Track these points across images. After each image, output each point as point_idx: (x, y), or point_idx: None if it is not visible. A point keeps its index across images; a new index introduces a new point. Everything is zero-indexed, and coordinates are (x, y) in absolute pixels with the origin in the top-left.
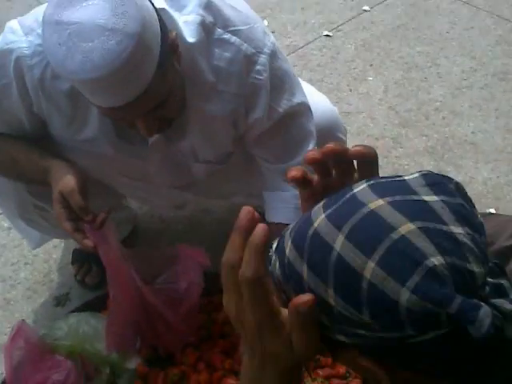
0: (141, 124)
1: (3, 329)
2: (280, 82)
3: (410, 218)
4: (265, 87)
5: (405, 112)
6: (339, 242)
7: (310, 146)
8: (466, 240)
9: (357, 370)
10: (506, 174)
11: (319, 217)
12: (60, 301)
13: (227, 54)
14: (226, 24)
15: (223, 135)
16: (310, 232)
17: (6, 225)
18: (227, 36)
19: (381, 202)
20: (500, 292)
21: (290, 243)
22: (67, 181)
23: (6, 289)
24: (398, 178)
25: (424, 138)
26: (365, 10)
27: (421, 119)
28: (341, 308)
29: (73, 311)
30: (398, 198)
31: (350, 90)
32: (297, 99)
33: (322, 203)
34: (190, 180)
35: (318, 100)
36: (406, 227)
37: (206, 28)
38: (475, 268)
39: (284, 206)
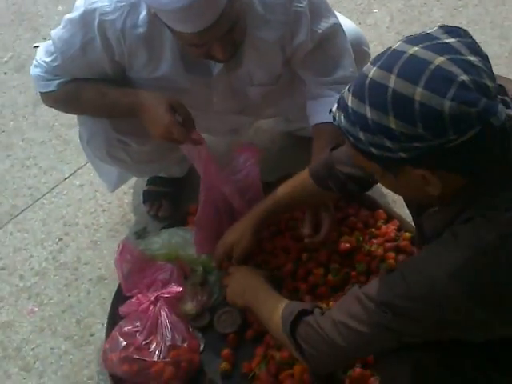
0: (218, 48)
1: (97, 264)
2: (317, 7)
3: (440, 54)
4: (305, 14)
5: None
6: (392, 81)
7: (348, 60)
8: (480, 64)
9: (410, 182)
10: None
11: (371, 70)
12: (140, 234)
13: None
14: None
15: (274, 59)
16: (367, 81)
17: (77, 183)
18: None
19: (415, 48)
20: (505, 103)
21: (350, 96)
22: (167, 96)
23: (91, 233)
24: (423, 32)
25: None
26: None
27: None
28: (400, 128)
29: (162, 229)
30: (427, 43)
31: (359, 23)
32: (332, 20)
33: (368, 64)
34: (246, 103)
35: (344, 21)
36: (438, 60)
37: None
38: (489, 83)
39: (327, 107)
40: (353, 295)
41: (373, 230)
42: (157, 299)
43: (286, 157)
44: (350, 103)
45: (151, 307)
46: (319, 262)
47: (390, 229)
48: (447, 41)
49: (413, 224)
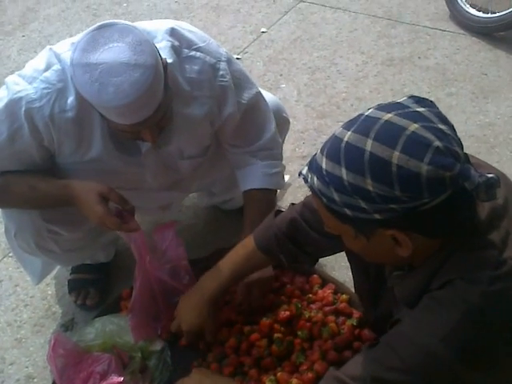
0: (147, 134)
1: (23, 363)
2: (239, 80)
3: (413, 121)
4: (230, 87)
5: (319, 106)
6: (369, 144)
7: (271, 125)
8: (449, 132)
9: (382, 244)
10: None
11: (346, 134)
12: (67, 326)
13: (196, 67)
14: (189, 44)
15: (203, 132)
16: (343, 145)
17: None
18: (192, 53)
19: (389, 115)
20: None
21: (324, 159)
22: (99, 184)
23: (15, 331)
24: (393, 102)
25: (340, 123)
26: (263, 32)
27: (333, 109)
28: (377, 190)
29: (94, 317)
30: (399, 111)
31: None
32: (254, 90)
33: (340, 129)
34: (178, 177)
35: (263, 92)
36: (413, 126)
37: (175, 50)
38: (459, 150)
39: (254, 174)
40: (331, 380)
41: (310, 295)
42: None
43: (212, 231)
44: (324, 165)
45: None
46: (262, 334)
47: (327, 293)
48: (418, 109)
49: (348, 286)
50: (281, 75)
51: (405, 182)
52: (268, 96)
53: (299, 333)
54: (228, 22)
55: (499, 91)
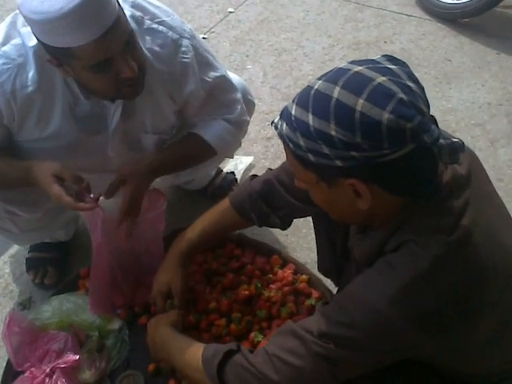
0: (124, 65)
1: None
2: (204, 57)
3: (382, 74)
4: (191, 64)
5: (285, 88)
6: (336, 92)
7: (238, 107)
8: (417, 90)
9: (342, 195)
10: None
11: (317, 82)
12: (25, 305)
13: (158, 41)
14: (152, 17)
15: (165, 108)
16: (312, 92)
17: None
18: (155, 26)
19: (360, 67)
20: (439, 132)
21: (294, 106)
22: (53, 164)
23: None
24: (367, 58)
25: None
26: (230, 12)
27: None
28: (340, 135)
29: (52, 295)
30: (371, 65)
31: None
32: (220, 72)
33: (316, 79)
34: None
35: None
36: (380, 78)
37: (136, 20)
38: (424, 108)
39: (210, 127)
40: (287, 330)
41: (270, 275)
42: (52, 371)
43: (175, 211)
44: (293, 111)
45: (47, 380)
46: (221, 313)
47: (287, 273)
48: (389, 66)
49: (308, 267)
50: (247, 56)
51: (366, 129)
52: (234, 78)
53: (258, 312)
54: (195, 1)
55: (462, 77)
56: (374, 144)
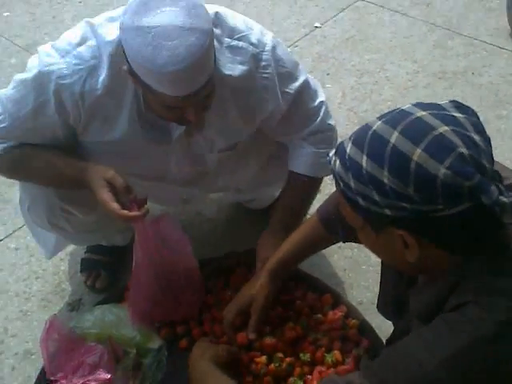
0: (191, 113)
1: (25, 337)
2: (285, 69)
3: (446, 124)
4: (272, 80)
5: (362, 112)
6: (394, 137)
7: (322, 108)
8: (481, 144)
9: (390, 243)
10: None
11: (376, 123)
12: (74, 306)
13: (238, 58)
14: (231, 33)
15: (237, 128)
16: (370, 132)
17: (12, 246)
18: (235, 42)
19: (423, 112)
20: (499, 190)
21: (350, 144)
22: (107, 169)
23: (22, 302)
24: (434, 103)
25: None
26: (316, 27)
27: (376, 117)
28: (392, 184)
29: (96, 304)
30: (435, 111)
31: None
32: (301, 77)
33: (374, 118)
34: (202, 171)
35: None
36: (443, 128)
37: (216, 38)
38: (486, 164)
39: (303, 159)
40: (328, 380)
41: (319, 315)
42: None
43: (233, 229)
44: (348, 150)
45: None
46: (262, 350)
47: (337, 315)
48: (455, 114)
49: (363, 307)
50: (328, 74)
51: (420, 181)
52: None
53: (301, 355)
54: (283, 13)
55: None
56: (427, 198)
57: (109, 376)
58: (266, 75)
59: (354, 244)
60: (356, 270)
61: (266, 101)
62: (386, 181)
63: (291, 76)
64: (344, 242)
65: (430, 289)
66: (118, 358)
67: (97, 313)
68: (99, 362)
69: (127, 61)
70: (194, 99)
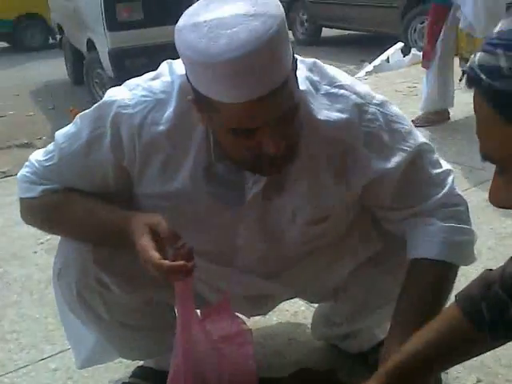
0: (266, 137)
1: None
2: (399, 124)
3: None
4: (379, 135)
5: None
6: None
7: (450, 178)
8: None
9: None
10: None
11: None
12: None
13: (338, 105)
14: (331, 81)
15: (329, 192)
16: None
17: (52, 366)
18: (335, 90)
19: None
20: None
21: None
22: (153, 215)
23: None
24: None
25: None
26: None
27: None
28: None
29: None
30: None
31: None
32: (421, 138)
33: None
34: (278, 253)
35: None
36: None
37: (312, 83)
38: None
39: (429, 238)
40: None
41: None
42: None
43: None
44: (497, 28)
45: None
46: None
47: None
48: None
49: None
50: None
51: None
52: None
53: None
54: None
55: None
56: None
57: None
58: (370, 129)
59: None
60: None
61: (368, 159)
62: None
63: (408, 133)
64: (492, 338)
65: None
66: None
67: None
68: None
69: (190, 83)
70: (268, 113)
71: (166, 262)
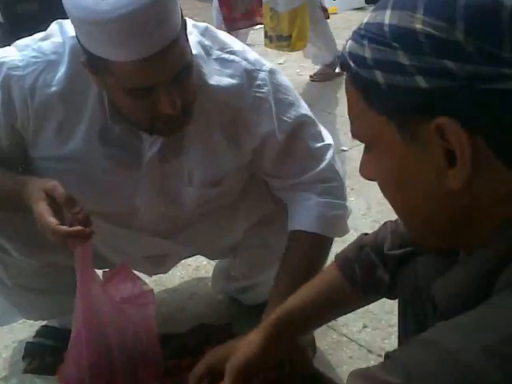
0: (165, 100)
1: None
2: (284, 94)
3: None
4: (268, 101)
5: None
6: None
7: (330, 152)
8: None
9: (422, 157)
10: None
11: None
12: None
13: (228, 70)
14: (222, 46)
15: (224, 155)
16: None
17: None
18: (226, 55)
19: None
20: None
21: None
22: (49, 180)
23: None
24: None
25: None
26: (343, 150)
27: None
28: (429, 28)
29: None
30: None
31: None
32: (303, 110)
33: None
34: (177, 214)
35: None
36: None
37: (204, 48)
38: None
39: (306, 212)
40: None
41: None
42: None
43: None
44: (365, 20)
45: None
46: None
47: None
48: None
49: None
50: (352, 189)
51: (471, 15)
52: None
53: None
54: None
55: None
56: (488, 49)
57: None
58: (259, 94)
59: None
60: None
61: (256, 124)
62: (418, 27)
63: (291, 105)
64: (364, 293)
65: (471, 265)
66: None
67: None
68: None
69: (81, 46)
70: (161, 72)
71: (64, 227)
